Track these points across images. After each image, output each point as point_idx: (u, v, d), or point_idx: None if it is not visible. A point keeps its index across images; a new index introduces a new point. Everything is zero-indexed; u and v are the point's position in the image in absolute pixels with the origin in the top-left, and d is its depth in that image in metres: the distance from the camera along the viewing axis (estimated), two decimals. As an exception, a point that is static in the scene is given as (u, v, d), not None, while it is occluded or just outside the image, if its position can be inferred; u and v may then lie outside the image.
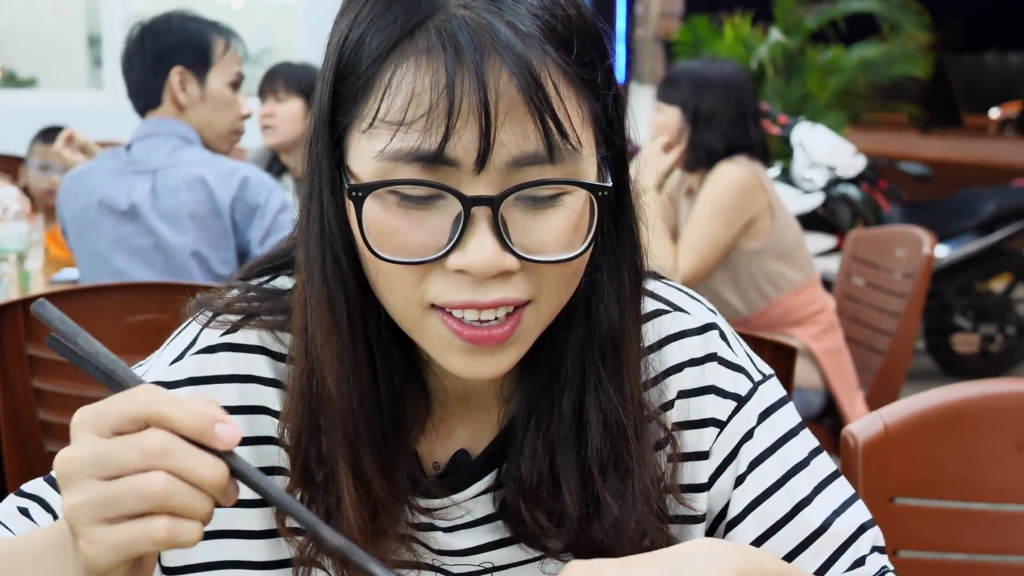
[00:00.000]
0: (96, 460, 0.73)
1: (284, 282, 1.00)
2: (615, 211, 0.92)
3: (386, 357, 0.91)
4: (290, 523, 0.95)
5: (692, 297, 1.06)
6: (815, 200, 5.44)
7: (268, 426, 0.98)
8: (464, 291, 0.84)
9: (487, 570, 0.99)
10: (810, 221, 5.38)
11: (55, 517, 0.98)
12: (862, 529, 1.02)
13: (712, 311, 1.06)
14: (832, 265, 4.84)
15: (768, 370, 1.06)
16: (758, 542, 1.00)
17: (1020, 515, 1.33)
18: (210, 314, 0.99)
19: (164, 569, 0.99)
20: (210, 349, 0.98)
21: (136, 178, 2.55)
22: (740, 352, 1.04)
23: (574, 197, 0.86)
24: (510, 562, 0.99)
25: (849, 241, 3.70)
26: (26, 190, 3.80)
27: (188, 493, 0.73)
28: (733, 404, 1.02)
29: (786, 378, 2.00)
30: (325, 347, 0.89)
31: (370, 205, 0.84)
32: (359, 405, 0.90)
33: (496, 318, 0.85)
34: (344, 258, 0.88)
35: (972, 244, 5.73)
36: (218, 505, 0.75)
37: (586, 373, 0.93)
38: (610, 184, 0.88)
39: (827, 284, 3.61)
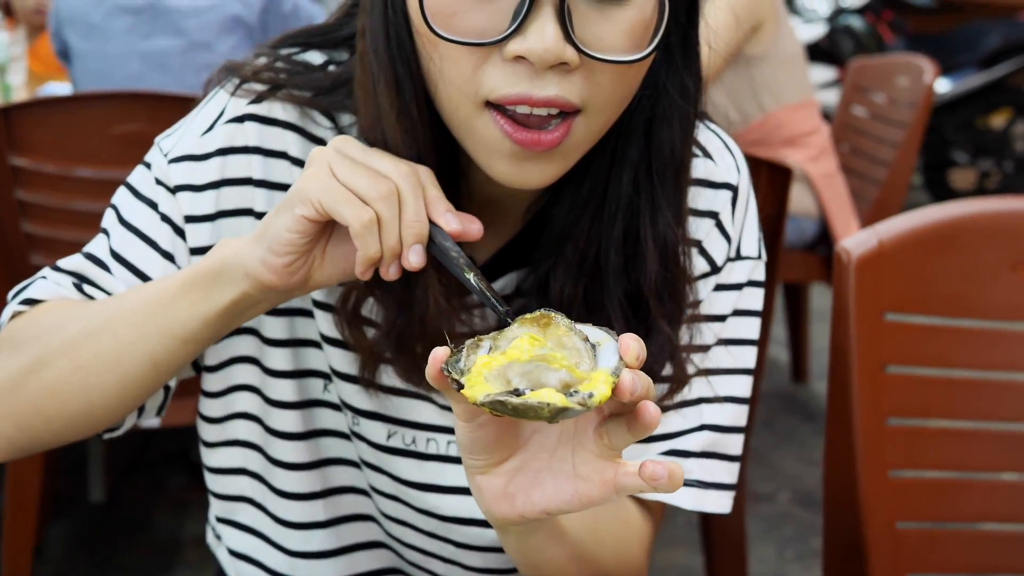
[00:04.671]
0: (338, 173, 0.84)
1: (314, 56, 0.98)
2: (684, 24, 0.89)
3: (442, 149, 0.89)
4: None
5: (727, 147, 1.04)
6: (817, 30, 5.34)
7: None
8: (521, 83, 0.80)
9: None
10: (812, 52, 5.28)
11: (104, 291, 0.97)
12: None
13: (738, 169, 1.03)
14: (832, 98, 4.78)
15: (753, 252, 1.04)
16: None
17: (1010, 333, 1.33)
18: (237, 81, 0.97)
19: (204, 368, 1.04)
20: (238, 119, 0.97)
21: None
22: (739, 222, 1.03)
23: None
24: None
25: (851, 70, 3.64)
26: (6, 6, 3.70)
27: (399, 210, 0.83)
28: (707, 267, 1.01)
29: (781, 202, 1.97)
30: (396, 127, 0.87)
31: None
32: None
33: (548, 115, 0.81)
34: (408, 43, 0.85)
35: (974, 78, 5.65)
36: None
37: (641, 198, 0.91)
38: None
39: (827, 117, 3.56)
